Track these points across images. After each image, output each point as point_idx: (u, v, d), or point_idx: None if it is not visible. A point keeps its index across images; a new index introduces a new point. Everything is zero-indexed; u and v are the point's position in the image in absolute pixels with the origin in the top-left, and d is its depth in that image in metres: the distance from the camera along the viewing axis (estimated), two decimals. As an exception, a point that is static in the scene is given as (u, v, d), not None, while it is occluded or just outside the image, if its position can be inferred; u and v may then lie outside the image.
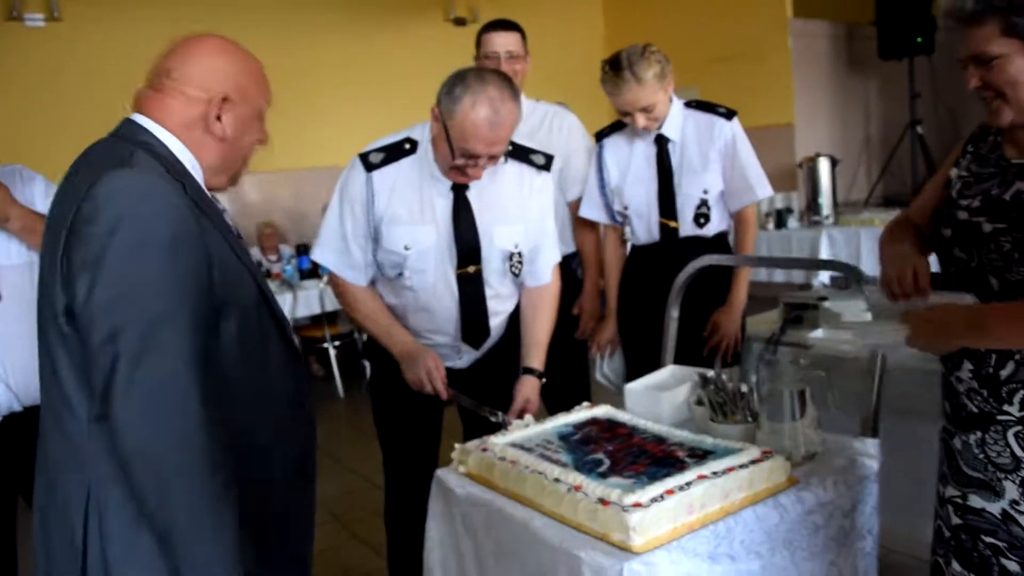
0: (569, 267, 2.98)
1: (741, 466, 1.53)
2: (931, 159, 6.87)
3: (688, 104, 2.68)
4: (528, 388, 2.21)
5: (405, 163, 2.16)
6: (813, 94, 7.33)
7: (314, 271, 5.81)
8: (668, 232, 2.63)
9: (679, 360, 2.27)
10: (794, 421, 1.67)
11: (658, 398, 1.94)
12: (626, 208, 2.70)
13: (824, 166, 6.31)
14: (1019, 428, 1.45)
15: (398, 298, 2.27)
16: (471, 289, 2.23)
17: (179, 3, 6.59)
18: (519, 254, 2.24)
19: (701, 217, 2.61)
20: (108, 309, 1.20)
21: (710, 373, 1.95)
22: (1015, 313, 1.39)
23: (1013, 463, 1.46)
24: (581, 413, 1.93)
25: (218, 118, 1.42)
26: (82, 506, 1.27)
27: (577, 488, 1.49)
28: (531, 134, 2.91)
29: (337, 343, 5.90)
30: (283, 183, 7.44)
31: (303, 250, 6.22)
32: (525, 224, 2.25)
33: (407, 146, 2.16)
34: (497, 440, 1.76)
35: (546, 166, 2.26)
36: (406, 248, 2.16)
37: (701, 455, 1.61)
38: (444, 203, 2.17)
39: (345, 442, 4.94)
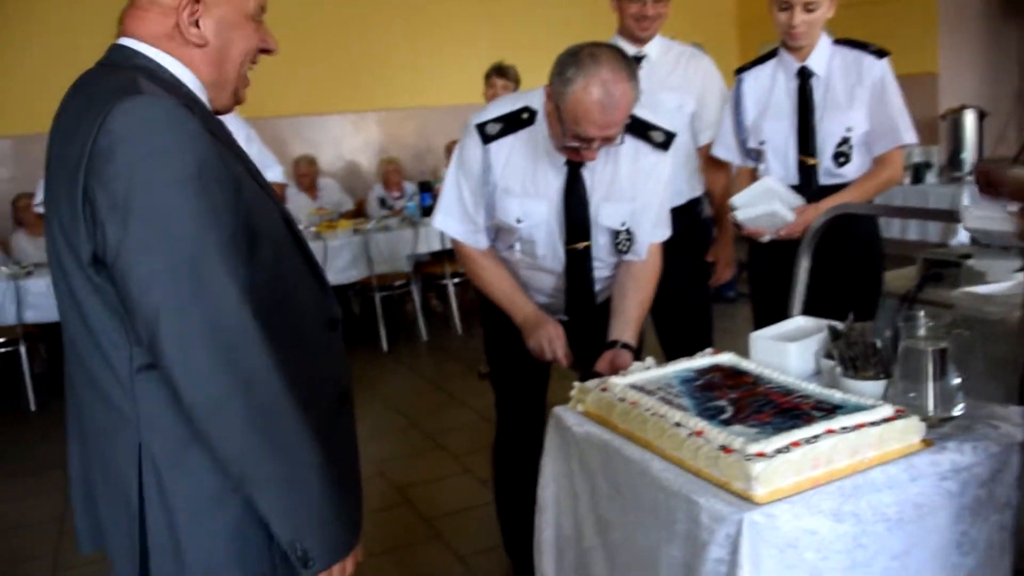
0: (695, 211, 2.91)
1: (872, 423, 1.46)
2: (1091, 113, 6.35)
3: (837, 41, 2.56)
4: (626, 361, 2.11)
5: (522, 135, 2.13)
6: (960, 40, 6.85)
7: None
8: (806, 171, 2.52)
9: (808, 312, 2.18)
10: (932, 381, 1.58)
11: (785, 349, 1.88)
12: (762, 144, 2.60)
13: (970, 119, 5.93)
14: None
15: (511, 257, 2.29)
16: (579, 264, 2.23)
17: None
18: (627, 231, 2.19)
19: (841, 156, 2.49)
20: (145, 252, 1.10)
21: (841, 326, 1.87)
22: None
23: None
24: (704, 359, 1.88)
25: (195, 24, 1.26)
26: (135, 466, 1.20)
27: (699, 434, 1.46)
28: (666, 75, 2.84)
29: (456, 279, 5.98)
30: (405, 120, 7.51)
31: (425, 187, 6.29)
32: (634, 203, 2.19)
33: (525, 115, 2.13)
34: (617, 381, 1.74)
35: (665, 144, 2.17)
36: (518, 221, 2.16)
37: (829, 409, 1.55)
38: (557, 178, 2.14)
39: (458, 377, 5.04)
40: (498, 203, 2.17)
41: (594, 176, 2.15)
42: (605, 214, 2.18)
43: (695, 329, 2.94)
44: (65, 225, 1.17)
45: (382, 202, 6.60)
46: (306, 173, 6.58)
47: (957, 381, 1.62)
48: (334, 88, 7.09)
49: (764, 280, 2.68)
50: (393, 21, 7.10)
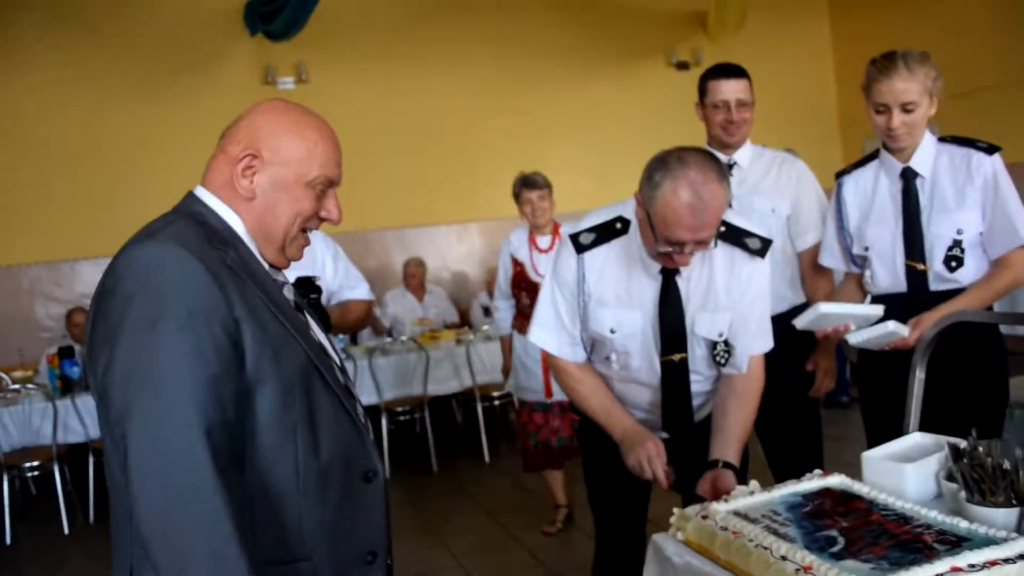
0: None
1: (1007, 561, 1.32)
2: None
3: (942, 139, 2.45)
4: (729, 483, 2.00)
5: (616, 244, 2.12)
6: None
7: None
8: (915, 277, 2.39)
9: (925, 429, 2.04)
10: (1072, 509, 1.44)
11: (902, 470, 1.74)
12: (867, 250, 2.49)
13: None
14: None
15: (606, 370, 2.24)
16: (675, 377, 2.16)
17: (410, 65, 7.01)
18: (725, 343, 2.13)
19: (953, 260, 2.35)
20: (122, 385, 1.16)
21: (963, 444, 1.73)
22: None
23: None
24: (813, 482, 1.77)
25: (250, 178, 1.34)
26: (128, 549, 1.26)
27: (807, 569, 1.35)
28: (757, 182, 2.80)
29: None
30: (510, 229, 7.66)
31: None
32: (732, 312, 2.12)
33: (619, 225, 2.11)
34: (719, 507, 1.65)
35: (761, 251, 2.11)
36: (612, 332, 2.13)
37: (954, 542, 1.42)
38: (652, 287, 2.11)
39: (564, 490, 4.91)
40: (592, 314, 2.14)
41: (689, 285, 2.10)
42: (701, 324, 2.12)
43: (804, 443, 2.80)
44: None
45: (486, 311, 6.67)
46: (414, 274, 6.72)
47: (1103, 508, 1.47)
48: (438, 199, 7.31)
49: (876, 390, 2.53)
50: (491, 131, 7.33)
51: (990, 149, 2.39)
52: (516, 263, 4.25)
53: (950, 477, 1.69)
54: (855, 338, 2.35)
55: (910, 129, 2.36)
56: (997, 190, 2.35)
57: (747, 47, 7.17)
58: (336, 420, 1.34)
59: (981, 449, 1.67)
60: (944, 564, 1.31)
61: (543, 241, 4.22)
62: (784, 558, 1.40)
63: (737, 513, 1.62)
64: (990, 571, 1.30)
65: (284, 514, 1.26)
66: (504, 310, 4.39)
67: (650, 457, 2.06)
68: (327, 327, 2.49)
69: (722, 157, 2.87)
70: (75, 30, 6.41)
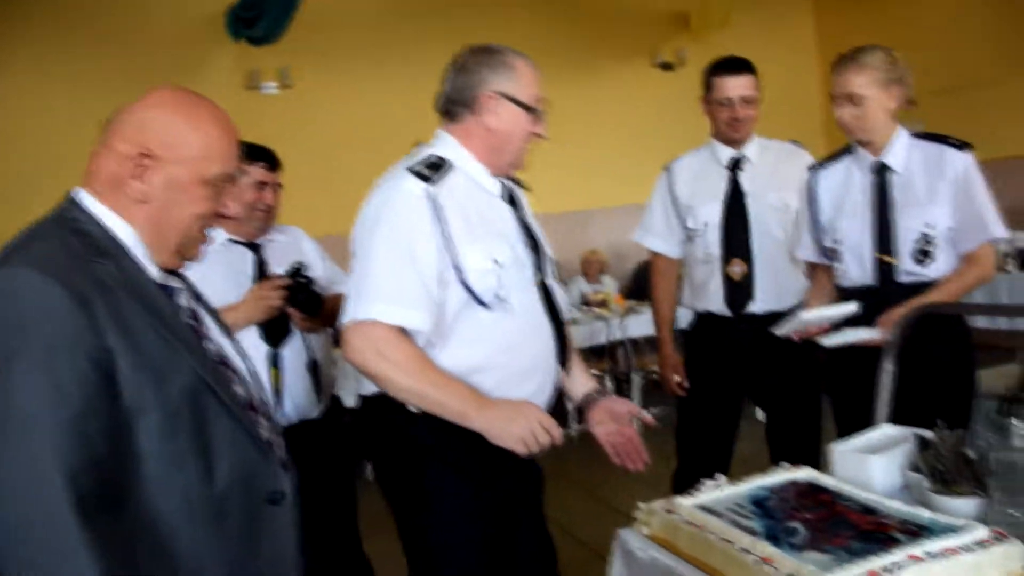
0: None
1: (965, 548, 1.32)
2: None
3: (917, 134, 2.47)
4: (623, 407, 2.04)
5: (454, 178, 1.88)
6: (1062, 120, 6.60)
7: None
8: (885, 270, 2.40)
9: (896, 422, 2.04)
10: (1032, 497, 1.44)
11: (868, 462, 1.75)
12: (837, 243, 2.50)
13: (1078, 200, 5.62)
14: None
15: (486, 343, 1.88)
16: (551, 304, 1.98)
17: (398, 70, 7.00)
18: (557, 264, 2.10)
19: (922, 254, 2.36)
20: None
21: (930, 435, 1.73)
22: None
23: None
24: (780, 475, 1.77)
25: (141, 179, 1.22)
26: None
27: (767, 561, 1.35)
28: (768, 175, 2.82)
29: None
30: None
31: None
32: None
33: (441, 162, 1.88)
34: (684, 501, 1.65)
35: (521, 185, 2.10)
36: (497, 262, 1.86)
37: (916, 531, 1.42)
38: (505, 211, 1.96)
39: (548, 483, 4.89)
40: (467, 252, 1.83)
41: (524, 201, 2.06)
42: (543, 241, 2.06)
43: (804, 431, 2.83)
44: None
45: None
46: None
47: (1063, 497, 1.47)
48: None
49: (845, 383, 2.53)
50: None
51: (961, 145, 2.40)
52: None
53: (916, 468, 1.69)
54: (828, 341, 2.36)
55: (861, 122, 2.39)
56: (968, 186, 2.36)
57: (731, 46, 7.15)
58: (234, 442, 1.22)
59: (946, 440, 1.67)
60: (903, 553, 1.31)
61: None
62: (745, 551, 1.40)
63: (702, 507, 1.61)
64: (948, 559, 1.30)
65: (177, 548, 1.16)
66: None
67: (539, 418, 1.79)
68: (315, 311, 2.47)
69: (730, 152, 2.88)
70: (54, 34, 6.37)
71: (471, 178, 1.93)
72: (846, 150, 2.56)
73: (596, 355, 6.15)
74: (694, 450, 3.00)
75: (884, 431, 1.94)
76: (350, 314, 1.80)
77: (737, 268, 2.85)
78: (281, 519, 1.28)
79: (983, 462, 1.60)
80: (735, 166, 2.89)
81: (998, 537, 1.36)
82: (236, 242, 2.55)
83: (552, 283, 2.01)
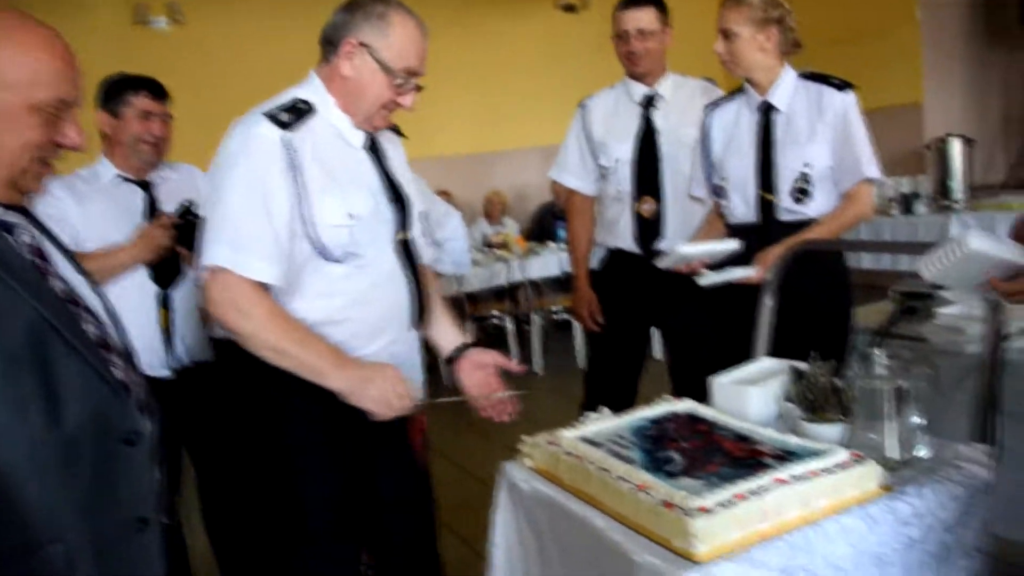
0: None
1: (826, 470, 1.39)
2: (1079, 137, 6.32)
3: (803, 75, 2.52)
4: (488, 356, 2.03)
5: (314, 124, 1.80)
6: (944, 70, 6.87)
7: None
8: (766, 208, 2.47)
9: (776, 356, 2.11)
10: (891, 422, 1.51)
11: (745, 393, 1.81)
12: (724, 180, 2.56)
13: (956, 147, 5.91)
14: None
15: (335, 296, 1.84)
16: (411, 257, 1.93)
17: (293, 5, 6.75)
18: (427, 216, 2.05)
19: (800, 192, 2.42)
20: None
21: (804, 367, 1.80)
22: None
23: None
24: (661, 407, 1.81)
25: None
26: None
27: (642, 488, 1.38)
28: (682, 112, 2.82)
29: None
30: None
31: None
32: (418, 186, 2.07)
33: (302, 105, 1.80)
34: (567, 434, 1.67)
35: (396, 131, 2.04)
36: (351, 218, 1.80)
37: (784, 457, 1.48)
38: (366, 163, 1.89)
39: (447, 429, 4.94)
40: (319, 205, 1.76)
41: (389, 157, 1.96)
42: (411, 195, 1.98)
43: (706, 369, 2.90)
44: None
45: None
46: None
47: (918, 421, 1.55)
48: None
49: (726, 320, 2.60)
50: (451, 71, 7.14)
51: (843, 86, 2.46)
52: None
53: (789, 398, 1.76)
54: (706, 280, 2.40)
55: (732, 57, 2.45)
56: (847, 126, 2.42)
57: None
58: (83, 384, 1.16)
59: (818, 371, 1.74)
60: (769, 476, 1.36)
61: None
62: (622, 479, 1.43)
63: (584, 439, 1.64)
64: (810, 481, 1.36)
65: (25, 498, 1.10)
66: None
67: (398, 381, 1.77)
68: None
69: (643, 89, 2.88)
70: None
71: (332, 125, 1.84)
72: (740, 90, 2.61)
73: (497, 297, 6.19)
74: (600, 386, 3.03)
75: (762, 364, 2.01)
76: (205, 258, 1.74)
77: (647, 206, 2.87)
78: (139, 460, 1.23)
79: (850, 391, 1.68)
80: (648, 104, 2.89)
81: (857, 459, 1.43)
82: (126, 179, 2.47)
83: (415, 238, 1.96)
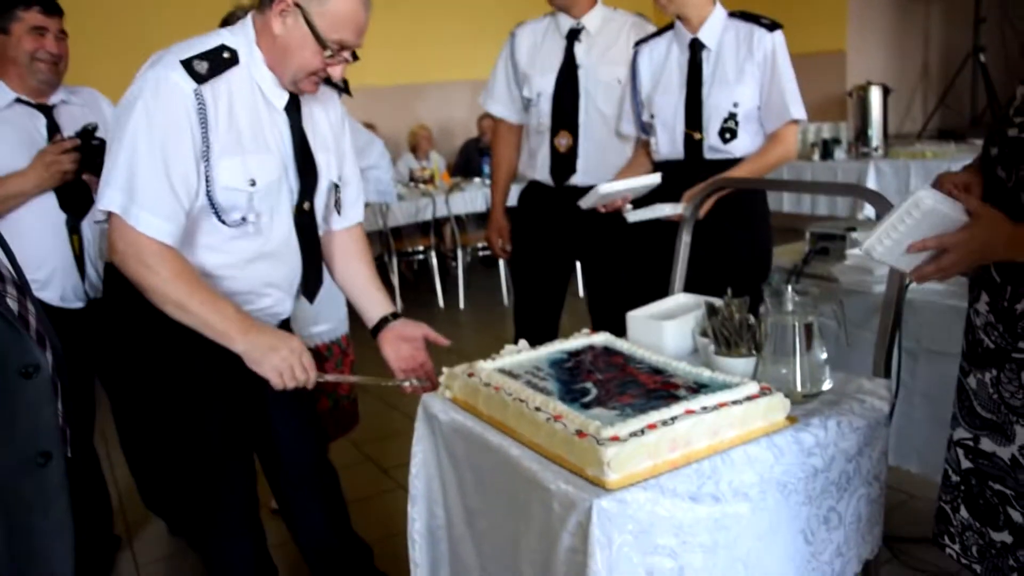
0: None
1: (734, 402, 1.43)
2: (993, 90, 6.52)
3: (732, 13, 2.51)
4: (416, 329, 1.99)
5: (233, 76, 1.72)
6: (867, 18, 6.98)
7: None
8: (692, 146, 2.48)
9: (694, 292, 2.15)
10: (797, 356, 1.56)
11: (660, 327, 1.84)
12: (652, 117, 2.56)
13: (875, 95, 6.02)
14: None
15: (223, 253, 1.81)
16: (308, 228, 1.91)
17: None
18: (337, 187, 1.98)
19: (727, 132, 2.45)
20: None
21: (719, 302, 1.84)
22: None
23: None
24: (579, 340, 1.84)
25: None
26: None
27: (557, 418, 1.40)
28: (606, 48, 2.79)
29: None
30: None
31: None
32: (340, 156, 1.98)
33: (226, 55, 1.72)
34: (485, 365, 1.68)
35: (343, 90, 1.97)
36: (253, 184, 1.75)
37: (696, 389, 1.52)
38: (282, 126, 1.82)
39: (372, 363, 4.92)
40: (222, 165, 1.71)
41: (308, 122, 1.87)
42: (324, 164, 1.92)
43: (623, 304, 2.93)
44: None
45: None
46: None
47: (824, 356, 1.60)
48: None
49: (645, 255, 2.63)
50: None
51: (772, 26, 2.46)
52: None
53: (704, 333, 1.80)
54: (633, 216, 2.41)
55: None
56: (775, 66, 2.43)
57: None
58: None
59: (732, 306, 1.78)
60: (680, 408, 1.39)
61: None
62: (538, 409, 1.45)
63: (502, 370, 1.65)
64: (719, 412, 1.40)
65: None
66: None
67: (301, 354, 1.76)
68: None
69: (570, 22, 2.83)
70: None
71: (254, 81, 1.76)
72: (670, 26, 2.59)
73: (422, 232, 6.14)
74: (524, 320, 3.05)
75: (679, 300, 2.05)
76: (107, 203, 1.66)
77: (563, 140, 2.85)
78: (38, 392, 1.18)
79: (760, 326, 1.73)
80: (572, 37, 2.86)
81: (764, 392, 1.47)
82: (25, 104, 2.37)
83: (318, 208, 1.92)
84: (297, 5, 1.68)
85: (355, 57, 1.77)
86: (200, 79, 1.66)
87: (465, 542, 1.63)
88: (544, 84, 2.85)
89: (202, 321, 1.70)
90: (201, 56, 1.69)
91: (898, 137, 6.71)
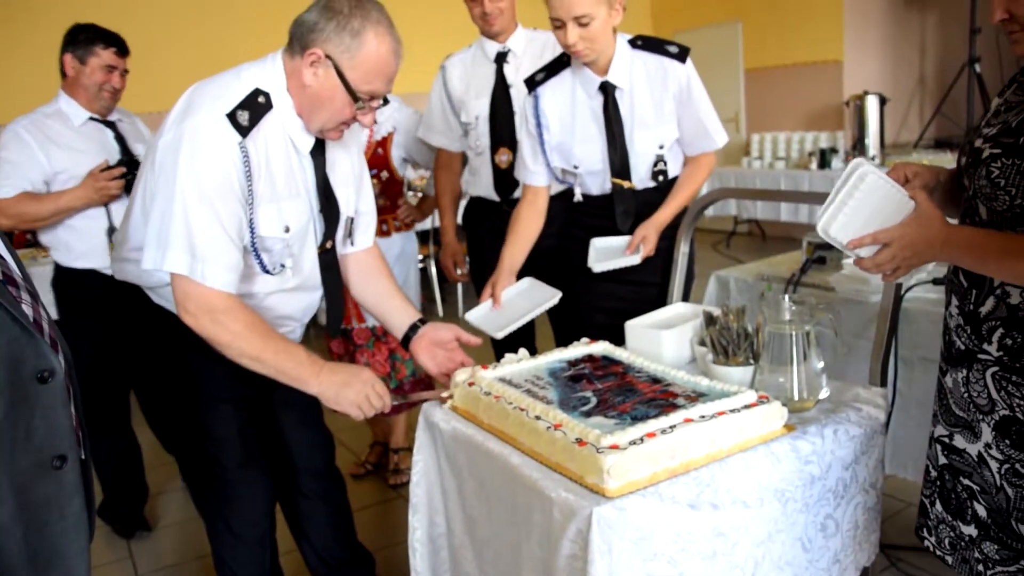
0: None
1: (732, 411, 1.45)
2: (988, 100, 6.54)
3: (634, 43, 2.30)
4: (446, 331, 1.98)
5: (267, 123, 1.72)
6: (864, 28, 7.02)
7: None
8: (623, 191, 2.37)
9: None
10: (795, 365, 1.58)
11: (658, 337, 1.86)
12: (576, 168, 2.38)
13: (872, 104, 6.06)
14: (996, 369, 1.41)
15: (244, 287, 1.80)
16: (332, 266, 1.95)
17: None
18: (351, 220, 1.99)
19: (660, 175, 2.37)
20: None
21: (717, 312, 1.86)
22: (975, 242, 1.33)
23: (989, 404, 1.43)
24: (578, 349, 1.85)
25: None
26: None
27: (557, 426, 1.42)
28: (534, 64, 2.76)
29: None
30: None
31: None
32: (358, 188, 1.99)
33: (261, 100, 1.71)
34: (486, 374, 1.70)
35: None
36: (287, 231, 1.79)
37: (694, 397, 1.53)
38: (308, 168, 1.83)
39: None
40: (261, 214, 1.74)
41: (335, 165, 1.91)
42: (344, 199, 1.94)
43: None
44: None
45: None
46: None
47: (821, 364, 1.62)
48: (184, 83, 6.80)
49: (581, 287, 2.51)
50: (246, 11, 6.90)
51: (681, 55, 2.31)
52: None
53: (702, 342, 1.82)
54: (599, 267, 2.32)
55: (591, 43, 2.15)
56: (691, 98, 2.32)
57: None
58: (4, 319, 1.13)
59: (730, 316, 1.80)
60: (679, 416, 1.41)
61: None
62: (538, 418, 1.47)
63: (502, 379, 1.67)
64: (717, 420, 1.41)
65: None
66: None
67: (374, 383, 1.78)
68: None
69: (496, 46, 2.86)
70: None
71: (284, 128, 1.75)
72: (563, 62, 2.35)
73: (421, 240, 6.14)
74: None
75: (677, 309, 2.07)
76: (172, 266, 1.66)
77: (503, 156, 2.90)
78: (53, 396, 1.20)
79: (757, 335, 1.75)
80: (501, 60, 2.89)
81: (763, 400, 1.49)
82: (97, 121, 2.79)
83: (339, 243, 1.95)
84: (329, 57, 1.66)
85: (386, 101, 1.79)
86: (244, 131, 1.67)
87: (466, 550, 1.65)
88: (480, 107, 2.90)
89: (277, 370, 1.72)
90: (242, 106, 1.69)
91: (895, 146, 6.74)
